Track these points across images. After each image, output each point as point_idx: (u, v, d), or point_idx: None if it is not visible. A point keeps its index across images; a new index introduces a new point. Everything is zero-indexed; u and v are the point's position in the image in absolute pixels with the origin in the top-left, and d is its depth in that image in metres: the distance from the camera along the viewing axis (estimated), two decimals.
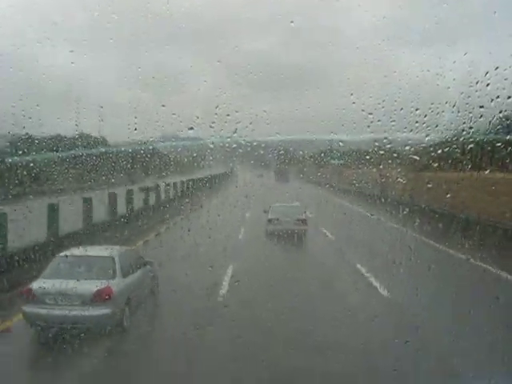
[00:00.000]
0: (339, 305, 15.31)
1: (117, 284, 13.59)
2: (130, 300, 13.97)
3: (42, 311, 12.82)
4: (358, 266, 19.97)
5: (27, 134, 23.57)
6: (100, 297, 12.96)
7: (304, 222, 27.80)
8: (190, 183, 43.27)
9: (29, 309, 13.00)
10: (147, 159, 28.52)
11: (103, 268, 14.01)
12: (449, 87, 17.81)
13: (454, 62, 17.23)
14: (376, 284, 17.19)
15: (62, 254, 14.55)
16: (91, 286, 13.07)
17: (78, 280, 13.17)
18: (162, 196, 38.99)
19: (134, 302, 14.22)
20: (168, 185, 40.88)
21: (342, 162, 48.67)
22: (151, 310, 15.43)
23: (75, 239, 19.19)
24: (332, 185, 51.21)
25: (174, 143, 30.79)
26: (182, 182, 44.44)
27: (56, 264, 14.13)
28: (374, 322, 12.83)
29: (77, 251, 14.95)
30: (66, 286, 12.89)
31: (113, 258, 14.25)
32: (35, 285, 13.22)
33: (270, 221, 27.86)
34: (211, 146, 21.24)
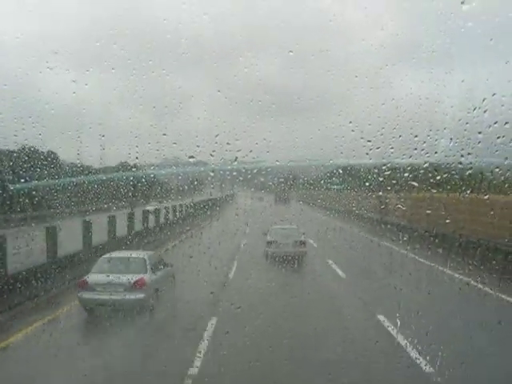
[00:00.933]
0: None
1: (148, 277, 17.99)
2: (157, 289, 18.31)
3: (94, 297, 17.27)
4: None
5: (30, 162, 23.79)
6: (137, 285, 17.39)
7: (303, 243, 27.78)
8: (192, 206, 43.79)
9: (84, 295, 17.47)
10: (147, 185, 28.72)
11: (138, 265, 18.51)
12: (447, 114, 18.00)
13: (452, 88, 17.43)
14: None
15: (106, 255, 19.52)
16: (130, 278, 17.46)
17: (120, 274, 17.66)
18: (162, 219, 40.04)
19: (159, 290, 18.43)
20: (168, 208, 41.57)
21: (341, 187, 48.86)
22: (170, 297, 19.41)
23: (103, 248, 24.02)
24: (332, 210, 51.33)
25: (174, 170, 30.98)
26: (181, 205, 44.76)
27: (101, 263, 18.86)
28: None
29: (115, 254, 20.14)
30: (111, 278, 17.43)
31: (144, 259, 18.87)
32: (88, 277, 17.80)
33: (269, 243, 27.75)
34: (212, 173, 21.54)
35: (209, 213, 45.09)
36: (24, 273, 19.27)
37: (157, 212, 38.37)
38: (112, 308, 16.56)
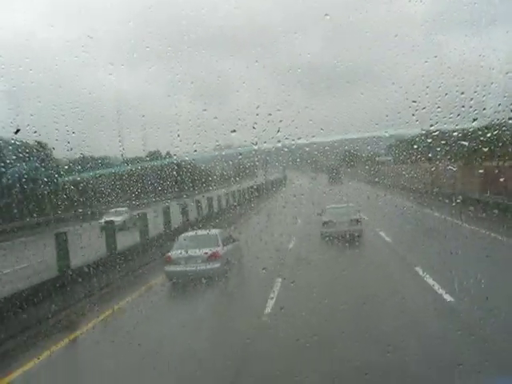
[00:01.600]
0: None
1: (221, 250, 21.26)
2: (229, 260, 21.50)
3: (178, 269, 20.66)
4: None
5: (82, 154, 23.96)
6: (213, 257, 20.67)
7: (359, 222, 27.33)
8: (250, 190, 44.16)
9: (169, 269, 21.03)
10: (192, 171, 28.64)
11: (212, 241, 21.69)
12: (493, 68, 17.27)
13: (497, 41, 16.70)
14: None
15: (183, 234, 23.28)
16: (207, 251, 20.71)
17: (197, 248, 20.87)
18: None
19: (230, 261, 21.63)
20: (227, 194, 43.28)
21: (390, 158, 48.12)
22: (239, 266, 22.95)
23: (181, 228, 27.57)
24: (381, 181, 50.71)
25: (217, 153, 30.72)
26: (240, 191, 44.89)
27: (181, 241, 22.31)
28: None
29: (191, 233, 23.83)
30: (191, 252, 20.69)
31: (216, 235, 22.29)
32: (172, 253, 21.31)
33: (324, 223, 27.56)
34: (255, 147, 21.37)
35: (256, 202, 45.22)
36: (127, 251, 23.98)
37: (210, 200, 39.20)
38: (193, 277, 19.71)
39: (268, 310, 15.48)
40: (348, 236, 24.84)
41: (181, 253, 21.01)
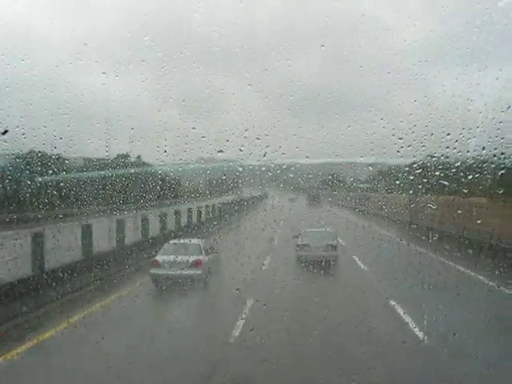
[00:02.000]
0: None
1: (203, 258, 22.75)
2: (210, 268, 23.00)
3: (163, 272, 22.13)
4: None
5: (58, 154, 23.81)
6: (196, 264, 22.17)
7: (335, 248, 27.16)
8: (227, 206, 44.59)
9: (154, 271, 22.55)
10: (176, 181, 28.75)
11: (195, 249, 23.20)
12: (480, 112, 17.58)
13: (486, 86, 17.04)
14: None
15: (170, 242, 24.91)
16: (190, 258, 22.15)
17: (181, 255, 22.28)
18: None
19: (211, 270, 23.07)
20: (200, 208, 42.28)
21: (370, 186, 48.42)
22: (219, 276, 23.87)
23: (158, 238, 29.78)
24: (360, 209, 50.98)
25: (203, 166, 30.85)
26: (214, 206, 45.08)
27: (167, 247, 23.94)
28: None
29: (176, 240, 25.67)
30: (176, 258, 22.16)
31: (199, 244, 23.88)
32: (158, 258, 22.78)
33: (300, 246, 27.32)
34: (240, 169, 22.04)
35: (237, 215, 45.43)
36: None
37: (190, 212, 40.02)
38: (176, 281, 21.16)
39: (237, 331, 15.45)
40: (323, 261, 24.51)
41: (167, 257, 22.52)
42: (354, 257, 28.70)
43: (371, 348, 13.64)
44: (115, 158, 32.77)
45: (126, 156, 36.00)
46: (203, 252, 23.25)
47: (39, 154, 24.58)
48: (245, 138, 17.19)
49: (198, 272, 22.03)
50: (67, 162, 25.54)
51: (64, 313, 17.82)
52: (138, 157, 38.09)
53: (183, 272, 21.69)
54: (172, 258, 22.40)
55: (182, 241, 25.71)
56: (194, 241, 24.95)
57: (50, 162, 24.40)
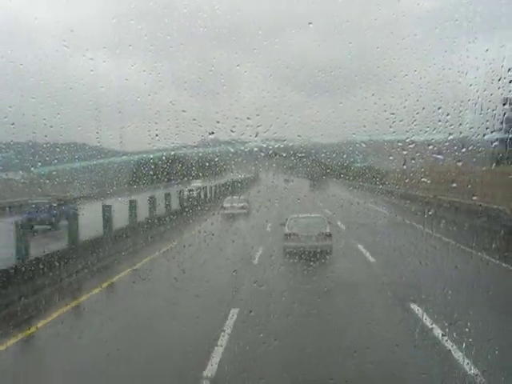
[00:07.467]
0: None
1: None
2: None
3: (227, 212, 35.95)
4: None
5: (49, 142, 23.68)
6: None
7: (328, 236, 23.92)
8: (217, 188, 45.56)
9: (220, 212, 35.13)
10: (168, 165, 28.71)
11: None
12: (471, 84, 17.48)
13: (476, 58, 16.92)
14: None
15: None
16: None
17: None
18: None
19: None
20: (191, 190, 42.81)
21: (365, 164, 48.39)
22: None
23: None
24: (356, 186, 51.01)
25: (195, 149, 30.87)
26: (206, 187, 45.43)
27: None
28: None
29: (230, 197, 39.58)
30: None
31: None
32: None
33: (286, 236, 24.24)
34: (232, 150, 21.63)
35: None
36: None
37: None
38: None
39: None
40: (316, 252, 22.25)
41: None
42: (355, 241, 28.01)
43: None
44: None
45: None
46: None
47: (30, 143, 24.46)
48: (236, 118, 17.10)
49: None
50: (58, 149, 25.34)
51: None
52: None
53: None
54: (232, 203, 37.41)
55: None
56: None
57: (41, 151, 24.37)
